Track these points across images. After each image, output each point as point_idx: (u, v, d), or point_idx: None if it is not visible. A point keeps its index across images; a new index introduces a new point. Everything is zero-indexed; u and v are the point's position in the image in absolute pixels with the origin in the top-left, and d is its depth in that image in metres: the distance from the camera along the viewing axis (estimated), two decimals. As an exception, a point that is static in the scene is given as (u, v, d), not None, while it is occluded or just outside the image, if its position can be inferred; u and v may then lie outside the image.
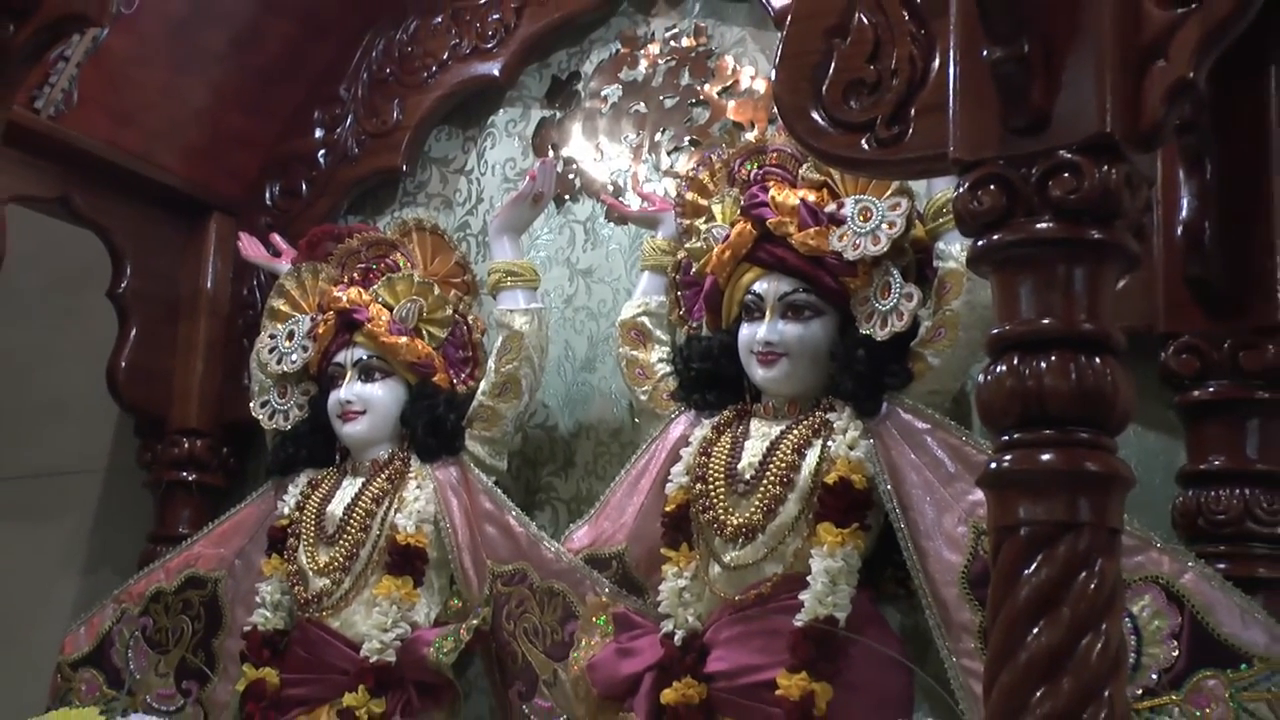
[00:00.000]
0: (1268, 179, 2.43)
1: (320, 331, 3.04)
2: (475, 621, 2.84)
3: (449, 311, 3.03)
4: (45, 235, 3.37)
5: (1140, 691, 2.16)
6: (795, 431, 2.55)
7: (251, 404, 3.14)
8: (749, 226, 2.57)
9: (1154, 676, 2.18)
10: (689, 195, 2.75)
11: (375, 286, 3.04)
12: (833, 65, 1.95)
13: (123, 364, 3.43)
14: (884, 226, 2.48)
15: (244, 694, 2.99)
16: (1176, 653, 2.18)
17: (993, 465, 1.76)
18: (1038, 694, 1.67)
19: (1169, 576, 2.21)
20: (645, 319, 2.82)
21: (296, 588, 2.99)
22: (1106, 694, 1.66)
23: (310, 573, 2.97)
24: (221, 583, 3.16)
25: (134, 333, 3.44)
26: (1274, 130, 2.45)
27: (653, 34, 3.19)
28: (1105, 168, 1.74)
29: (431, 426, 2.97)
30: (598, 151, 3.21)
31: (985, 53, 1.78)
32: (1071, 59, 1.77)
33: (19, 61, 2.76)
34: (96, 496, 3.75)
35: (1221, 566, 2.27)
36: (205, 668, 3.15)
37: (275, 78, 3.42)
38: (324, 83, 3.46)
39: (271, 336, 3.11)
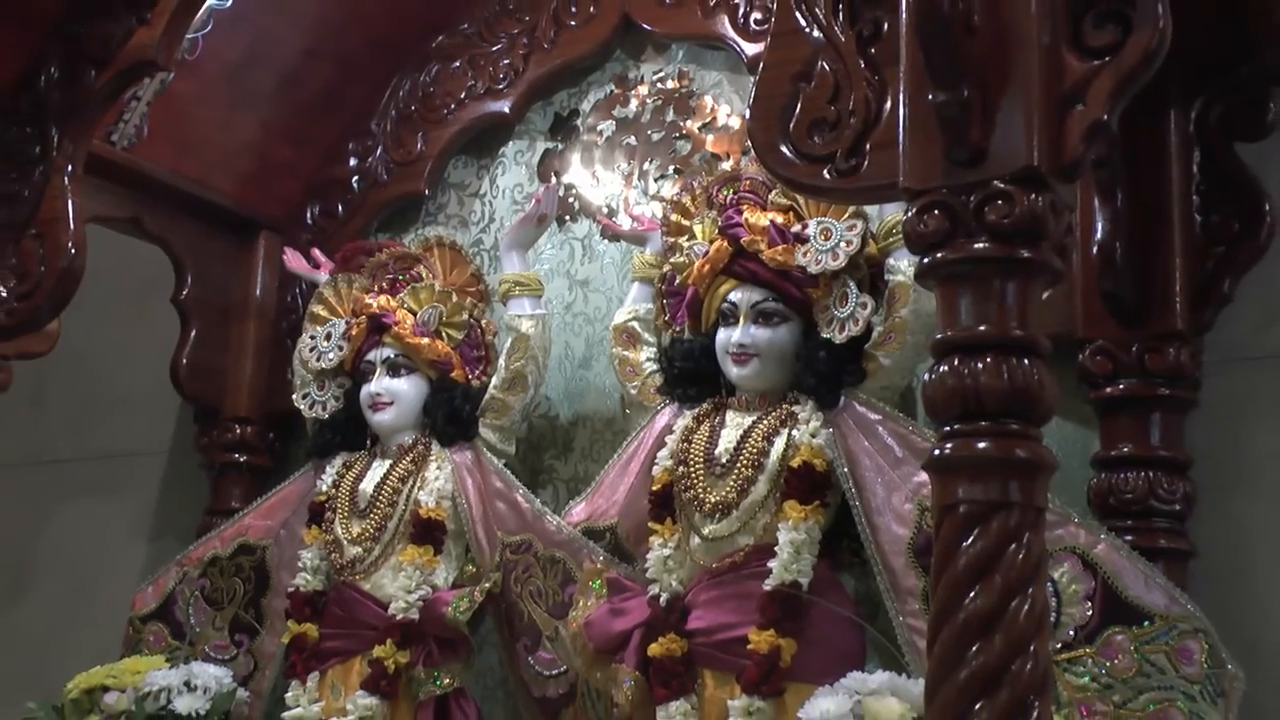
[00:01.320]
0: (1168, 207, 2.48)
1: (354, 333, 3.04)
2: (487, 585, 2.86)
3: (465, 316, 3.04)
4: (119, 250, 3.36)
5: (1060, 646, 2.18)
6: (765, 422, 2.56)
7: (294, 395, 3.15)
8: (725, 244, 2.58)
9: (1071, 633, 2.20)
10: (673, 217, 2.76)
11: (401, 294, 3.05)
12: (799, 106, 1.95)
13: (184, 361, 3.44)
14: (842, 245, 2.49)
15: (288, 646, 3.01)
16: (1090, 612, 2.20)
17: (936, 452, 1.77)
18: (974, 649, 1.68)
19: (1084, 547, 2.23)
20: (635, 323, 2.83)
21: (333, 555, 2.99)
22: (1032, 648, 1.67)
23: (345, 542, 2.97)
24: (269, 550, 3.17)
25: (193, 334, 3.45)
26: (1173, 165, 2.48)
27: (642, 77, 3.20)
28: (1033, 196, 1.75)
29: (450, 416, 2.98)
30: (594, 178, 3.22)
31: (931, 97, 1.79)
32: (1004, 103, 1.78)
33: (99, 102, 2.80)
34: (160, 475, 3.75)
35: (1128, 538, 2.30)
36: (255, 623, 3.16)
37: (316, 114, 3.42)
38: (358, 119, 3.46)
39: (312, 337, 3.11)
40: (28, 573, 3.91)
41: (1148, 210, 2.46)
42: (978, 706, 1.66)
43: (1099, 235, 2.43)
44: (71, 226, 2.79)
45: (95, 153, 2.99)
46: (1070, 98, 1.77)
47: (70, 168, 2.82)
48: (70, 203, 2.81)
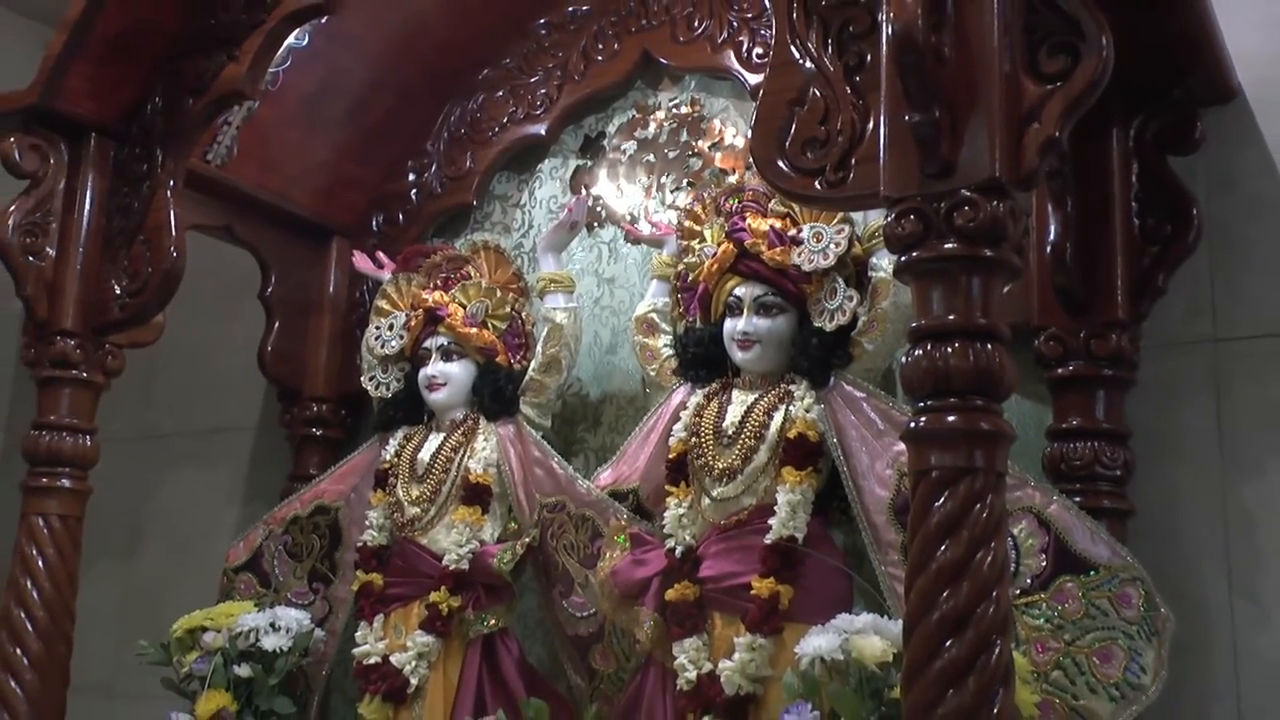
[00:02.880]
0: (1111, 212, 2.47)
1: (412, 324, 3.04)
2: (527, 539, 2.85)
3: (508, 309, 3.03)
4: (214, 254, 3.37)
5: (1019, 592, 2.17)
6: (765, 399, 2.55)
7: (362, 378, 3.14)
8: (731, 246, 2.57)
9: (1028, 581, 2.19)
10: (686, 223, 2.75)
11: (453, 291, 3.04)
12: (793, 127, 1.95)
13: (269, 349, 3.44)
14: (832, 246, 2.48)
15: (358, 592, 3.01)
16: (1044, 563, 2.20)
17: (912, 424, 1.77)
18: (945, 594, 1.68)
19: (1039, 507, 2.23)
20: (654, 315, 2.82)
21: (395, 514, 2.99)
22: (994, 594, 1.67)
23: (405, 503, 2.97)
24: (341, 510, 3.16)
25: (277, 326, 3.45)
26: (1115, 176, 2.47)
27: (659, 103, 3.19)
28: (995, 203, 1.75)
29: (495, 395, 2.97)
30: (618, 191, 3.20)
31: (907, 118, 1.78)
32: (970, 123, 1.77)
33: (196, 127, 2.81)
34: (250, 447, 3.76)
35: (1077, 499, 2.30)
36: (329, 573, 3.16)
37: (379, 137, 3.42)
38: (415, 140, 3.46)
39: (377, 328, 3.11)
40: (139, 532, 3.93)
41: (1093, 215, 2.45)
42: (948, 644, 1.66)
43: (1052, 237, 2.42)
44: (174, 233, 2.79)
45: (193, 170, 2.99)
46: (1027, 118, 1.77)
47: (172, 183, 2.82)
48: (172, 213, 2.81)
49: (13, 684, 2.73)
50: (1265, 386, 2.43)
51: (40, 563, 2.79)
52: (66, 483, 2.85)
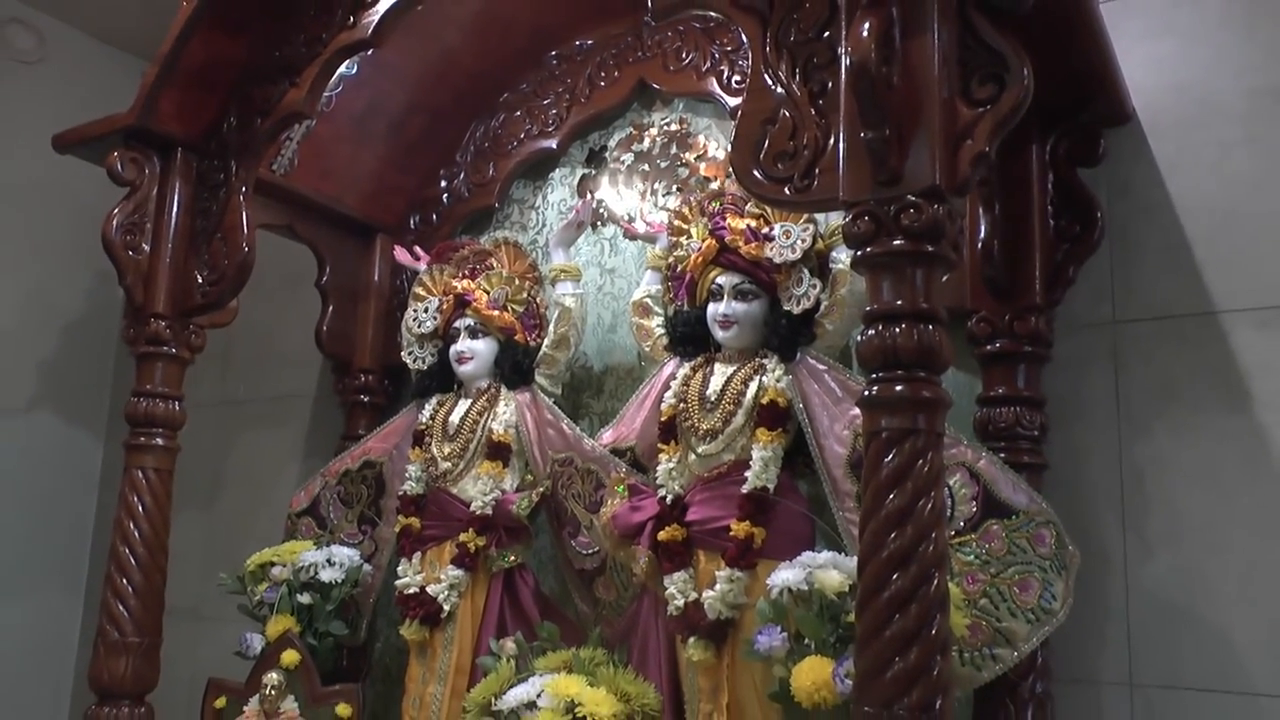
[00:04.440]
0: (1030, 215, 2.46)
1: (444, 308, 3.03)
2: (541, 489, 2.85)
3: (525, 295, 3.02)
4: (280, 249, 3.37)
5: (953, 533, 2.18)
6: (742, 371, 2.54)
7: (402, 353, 3.13)
8: (714, 242, 2.56)
9: (961, 524, 2.20)
10: (675, 222, 2.74)
11: (479, 279, 3.03)
12: (767, 142, 1.95)
13: (325, 329, 3.44)
14: (799, 242, 2.47)
15: (399, 533, 3.00)
16: (974, 509, 2.20)
17: (866, 393, 1.78)
18: (892, 535, 1.69)
19: (970, 462, 2.23)
20: (648, 300, 2.81)
21: (430, 468, 2.99)
22: (934, 535, 1.68)
23: (439, 458, 2.97)
24: (385, 465, 3.16)
25: (331, 309, 3.44)
26: (1034, 184, 2.47)
27: (653, 122, 3.18)
28: (935, 207, 1.75)
29: (514, 367, 2.96)
30: (618, 195, 3.19)
31: (862, 135, 1.79)
32: (915, 139, 1.78)
33: (263, 142, 2.81)
34: (310, 412, 3.76)
35: (1002, 455, 2.30)
36: (376, 517, 3.17)
37: (417, 150, 3.41)
38: (446, 153, 3.44)
39: (414, 311, 3.10)
40: (219, 483, 3.93)
41: (1016, 217, 2.45)
42: (895, 577, 1.67)
43: (982, 234, 2.42)
44: (245, 232, 2.80)
45: (262, 178, 3.00)
46: (961, 135, 1.78)
47: (244, 189, 2.83)
48: (244, 215, 2.82)
49: (120, 607, 2.78)
50: (1154, 361, 2.45)
51: (140, 508, 2.82)
52: (160, 441, 2.87)
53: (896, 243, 1.77)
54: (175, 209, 2.89)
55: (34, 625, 4.07)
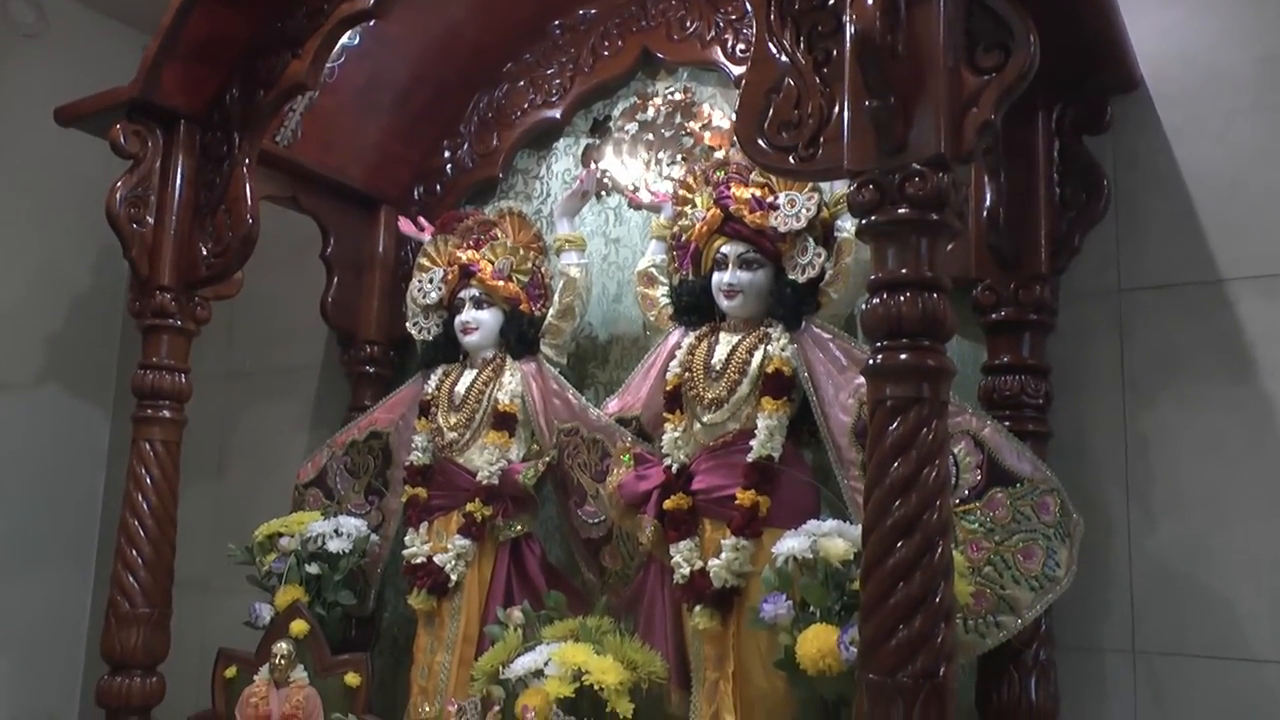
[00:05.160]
0: (1036, 183, 2.46)
1: (449, 278, 3.03)
2: (547, 458, 2.87)
3: (529, 265, 3.02)
4: (284, 220, 3.37)
5: (958, 501, 2.19)
6: (747, 340, 2.55)
7: (407, 324, 3.14)
8: (718, 211, 2.56)
9: (965, 492, 2.20)
10: (680, 191, 2.74)
11: (483, 250, 3.03)
12: (771, 111, 1.95)
13: (329, 300, 3.43)
14: (803, 211, 2.47)
15: (406, 504, 3.02)
16: (979, 477, 2.21)
17: (870, 362, 1.78)
18: (897, 503, 1.70)
19: (975, 430, 2.23)
20: (653, 269, 2.82)
21: (436, 438, 3.00)
22: (938, 503, 1.69)
23: (445, 428, 2.97)
24: (392, 435, 3.17)
25: (336, 281, 3.44)
26: (1040, 152, 2.47)
27: (657, 91, 3.16)
28: (940, 175, 1.75)
29: (519, 337, 2.97)
30: (622, 165, 3.19)
31: (867, 104, 1.78)
32: (919, 108, 1.77)
33: (266, 114, 2.81)
34: (315, 383, 3.76)
35: (1006, 424, 2.29)
36: (383, 488, 3.18)
37: (421, 121, 3.40)
38: (450, 124, 3.43)
39: (419, 282, 3.10)
40: (226, 455, 3.94)
41: (1021, 185, 2.44)
42: (899, 545, 1.68)
43: (987, 203, 2.40)
44: (249, 204, 2.81)
45: (265, 150, 3.00)
46: (966, 104, 1.77)
47: (248, 161, 2.84)
48: (248, 186, 2.82)
49: (130, 578, 2.81)
50: (1159, 330, 2.45)
51: (148, 480, 2.84)
52: (166, 413, 2.88)
53: (901, 211, 1.77)
54: (179, 181, 2.89)
55: (46, 598, 4.10)
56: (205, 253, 2.85)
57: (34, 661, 4.06)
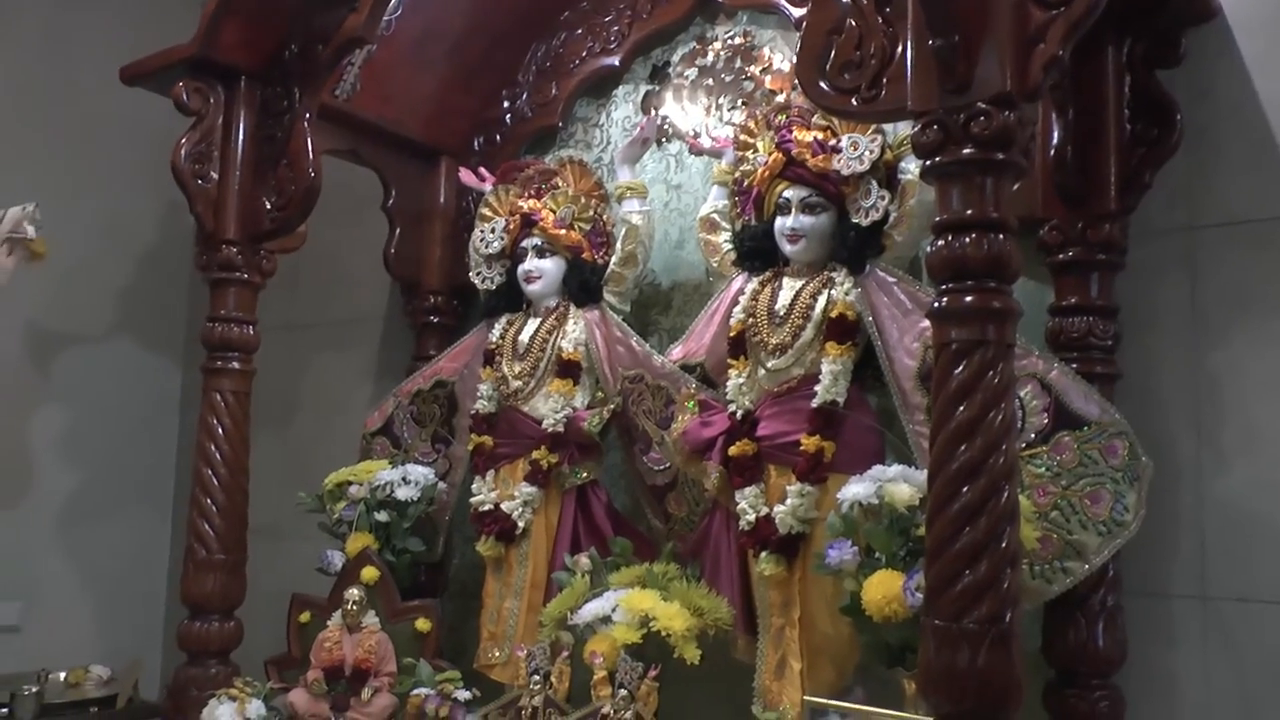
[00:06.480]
0: (1105, 118, 2.39)
1: (511, 228, 3.05)
2: (612, 405, 2.89)
3: (591, 213, 3.03)
4: (346, 173, 3.39)
5: (1024, 445, 2.17)
6: (811, 284, 2.54)
7: (470, 273, 3.16)
8: (780, 155, 2.55)
9: (1032, 436, 2.19)
10: (742, 136, 2.72)
11: (545, 199, 3.04)
12: (833, 53, 1.95)
13: (392, 251, 3.48)
14: (866, 153, 2.45)
15: (472, 452, 3.06)
16: (1046, 420, 2.19)
17: (935, 304, 1.78)
18: (962, 448, 1.70)
19: (1042, 373, 2.21)
20: (715, 215, 2.80)
21: (501, 386, 3.03)
22: (1004, 447, 1.69)
23: (509, 377, 3.00)
24: (457, 384, 3.20)
25: (398, 232, 3.48)
26: (1109, 87, 2.40)
27: (717, 35, 3.14)
28: (1005, 113, 1.74)
29: (582, 285, 2.98)
30: (683, 111, 3.17)
31: (930, 42, 1.77)
32: (984, 45, 1.76)
33: (325, 68, 2.83)
34: (379, 334, 3.81)
35: (1073, 366, 2.27)
36: (449, 436, 3.22)
37: (478, 72, 3.40)
38: (508, 73, 3.43)
39: (481, 232, 3.12)
40: (292, 406, 4.02)
41: (1090, 121, 2.39)
42: (965, 489, 1.68)
43: (1054, 140, 2.36)
44: (310, 158, 2.84)
45: (325, 104, 3.02)
46: (1033, 39, 1.75)
47: (308, 115, 2.87)
48: (309, 141, 2.85)
49: (205, 525, 2.90)
50: (1231, 267, 2.40)
51: (220, 430, 2.91)
52: (235, 365, 2.95)
53: (966, 151, 1.75)
54: (241, 137, 2.93)
55: (128, 545, 4.23)
56: (269, 206, 2.88)
57: (118, 606, 4.19)
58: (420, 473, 3.08)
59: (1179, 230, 2.46)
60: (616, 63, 3.27)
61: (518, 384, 2.98)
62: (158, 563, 4.32)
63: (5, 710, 3.14)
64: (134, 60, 2.98)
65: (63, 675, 3.44)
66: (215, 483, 2.89)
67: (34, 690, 3.16)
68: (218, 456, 2.90)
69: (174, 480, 4.36)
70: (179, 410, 4.40)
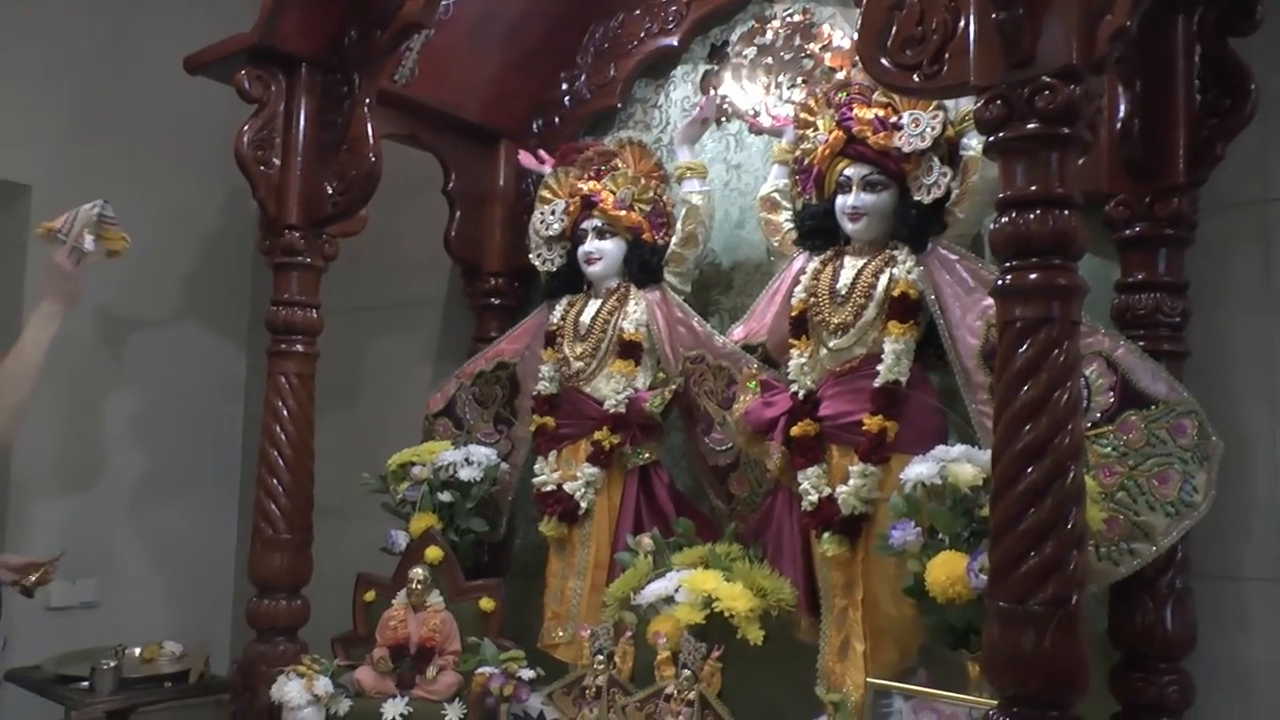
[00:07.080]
0: (1174, 89, 2.34)
1: (571, 210, 3.06)
2: (673, 386, 2.89)
3: (651, 194, 3.03)
4: (405, 157, 3.42)
5: (1089, 425, 2.14)
6: (873, 263, 2.52)
7: (530, 255, 3.17)
8: (841, 133, 2.53)
9: (1098, 415, 2.16)
10: (802, 115, 2.71)
11: (604, 180, 3.05)
12: (894, 28, 1.93)
13: (452, 234, 3.50)
14: (928, 130, 2.42)
15: (534, 432, 3.08)
16: (1112, 399, 2.16)
17: (999, 282, 1.76)
18: (1027, 428, 1.68)
19: (1108, 351, 2.18)
20: (776, 194, 2.79)
21: (563, 367, 3.04)
22: (1069, 426, 1.67)
23: (571, 358, 3.02)
24: (518, 365, 3.22)
25: (458, 214, 3.50)
26: (1179, 57, 2.34)
27: (775, 14, 3.12)
28: (1071, 87, 1.72)
29: (642, 266, 2.98)
30: (742, 90, 3.16)
31: (993, 15, 1.75)
32: (1049, 18, 1.74)
33: (384, 54, 2.85)
34: (441, 315, 3.84)
35: (1141, 344, 2.23)
36: (511, 417, 3.25)
37: (536, 55, 3.41)
38: (566, 55, 3.44)
39: (541, 213, 3.13)
40: (354, 388, 4.07)
41: (1158, 93, 2.33)
42: (1029, 470, 1.67)
43: (1121, 114, 2.31)
44: (371, 142, 2.87)
45: (384, 89, 3.05)
46: (1099, 10, 1.72)
47: (368, 100, 2.89)
48: (369, 125, 2.88)
49: (272, 505, 2.95)
50: (1310, 241, 2.35)
51: (285, 412, 2.96)
52: (300, 348, 2.99)
53: (1030, 126, 1.73)
54: (302, 123, 2.96)
55: (197, 524, 4.32)
56: (330, 191, 2.92)
57: (188, 584, 4.29)
58: (483, 453, 3.11)
59: (1253, 203, 2.41)
60: (675, 43, 3.26)
61: (579, 365, 2.99)
62: (225, 542, 4.41)
63: (86, 683, 3.23)
64: (196, 50, 3.03)
65: (138, 650, 3.52)
66: (281, 464, 2.95)
67: (112, 665, 3.24)
68: (283, 438, 2.95)
69: (240, 461, 4.44)
70: (244, 393, 4.48)
